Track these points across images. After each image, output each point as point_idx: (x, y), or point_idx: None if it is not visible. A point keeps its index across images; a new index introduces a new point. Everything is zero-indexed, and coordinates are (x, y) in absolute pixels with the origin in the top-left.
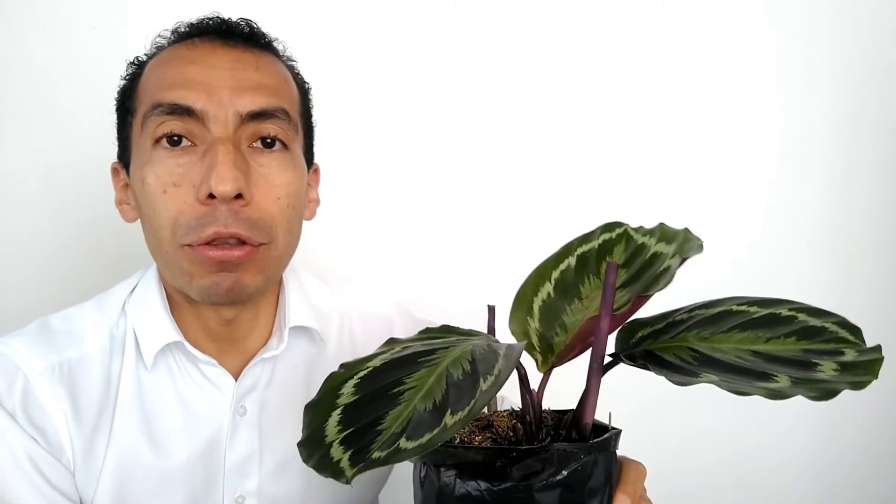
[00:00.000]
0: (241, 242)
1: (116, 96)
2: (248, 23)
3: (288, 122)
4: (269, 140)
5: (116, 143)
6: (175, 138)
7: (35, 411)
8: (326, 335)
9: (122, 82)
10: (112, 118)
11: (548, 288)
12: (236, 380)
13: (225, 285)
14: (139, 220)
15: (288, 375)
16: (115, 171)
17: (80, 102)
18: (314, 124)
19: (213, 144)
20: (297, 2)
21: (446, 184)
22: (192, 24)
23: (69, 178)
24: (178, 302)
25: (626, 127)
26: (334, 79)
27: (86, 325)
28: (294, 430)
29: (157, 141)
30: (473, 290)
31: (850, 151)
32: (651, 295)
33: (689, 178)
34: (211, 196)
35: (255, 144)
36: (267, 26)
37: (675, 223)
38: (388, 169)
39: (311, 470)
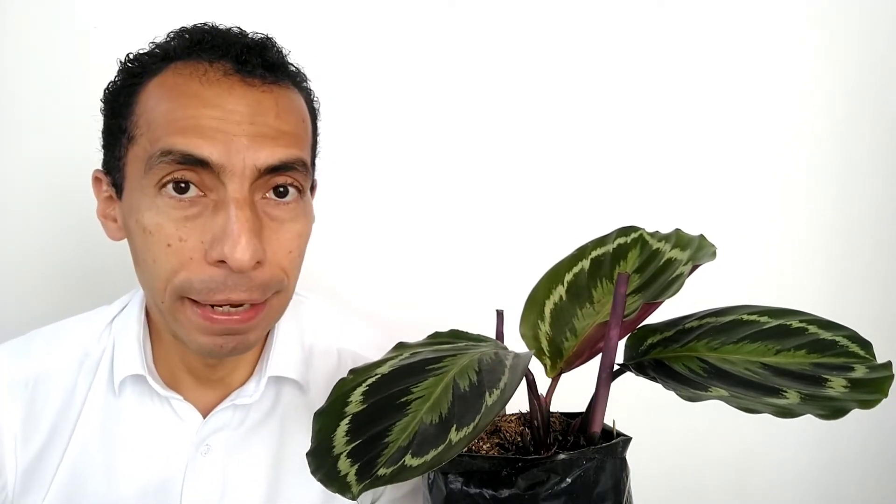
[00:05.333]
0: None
1: (105, 98)
2: (265, 44)
3: (305, 173)
4: (282, 189)
5: (101, 150)
6: (183, 185)
7: None
8: (313, 382)
9: (114, 84)
10: None
11: (560, 291)
12: (206, 416)
13: (229, 346)
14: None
15: (263, 422)
16: (97, 180)
17: (80, 103)
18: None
19: (226, 203)
20: (292, 4)
21: (454, 187)
22: (202, 33)
23: (69, 180)
24: (159, 331)
25: (631, 129)
26: (339, 79)
27: (66, 337)
28: (263, 481)
29: (163, 186)
30: (481, 293)
31: (863, 155)
32: (661, 302)
33: (695, 181)
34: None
35: (268, 195)
36: (263, 28)
37: (672, 224)
38: (395, 172)
39: None
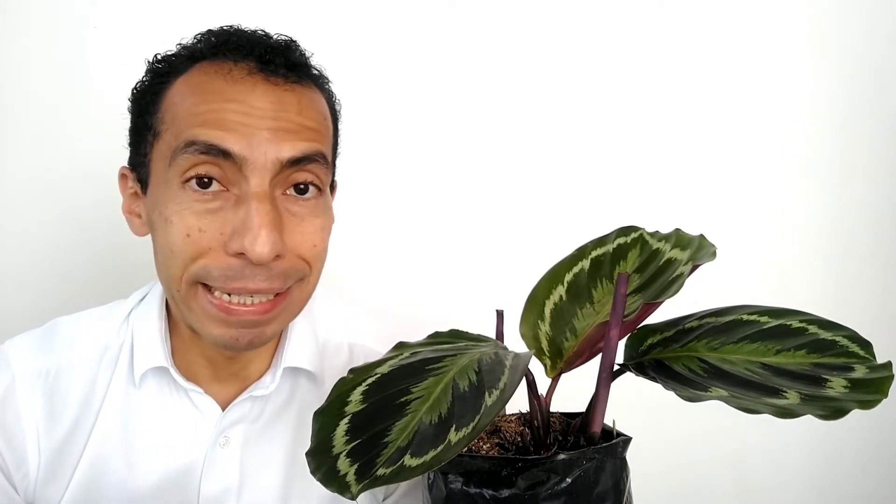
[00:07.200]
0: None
1: (132, 97)
2: (288, 45)
3: (326, 167)
4: (302, 186)
5: (128, 148)
6: (206, 179)
7: (9, 414)
8: (328, 375)
9: (141, 84)
10: (115, 121)
11: (560, 291)
12: (224, 408)
13: (245, 340)
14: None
15: (280, 414)
16: (123, 176)
17: (80, 103)
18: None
19: (247, 198)
20: (292, 6)
21: (454, 187)
22: (228, 34)
23: (71, 179)
24: (178, 324)
25: (631, 129)
26: (342, 82)
27: (85, 331)
28: (279, 472)
29: (187, 181)
30: (481, 293)
31: (863, 154)
32: (661, 302)
33: (695, 181)
34: (241, 253)
35: (288, 191)
36: (266, 28)
37: (672, 224)
38: (396, 172)
39: None
